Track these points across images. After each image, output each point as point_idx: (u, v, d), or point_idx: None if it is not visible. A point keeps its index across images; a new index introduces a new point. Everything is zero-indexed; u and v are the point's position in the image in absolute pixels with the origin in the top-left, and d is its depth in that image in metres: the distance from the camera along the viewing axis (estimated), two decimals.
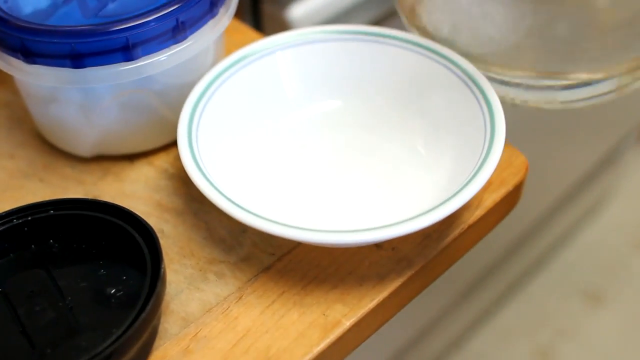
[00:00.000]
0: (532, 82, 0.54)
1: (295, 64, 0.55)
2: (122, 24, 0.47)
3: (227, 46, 0.58)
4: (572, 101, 0.56)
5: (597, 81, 0.54)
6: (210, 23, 0.51)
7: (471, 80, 0.51)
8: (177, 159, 0.54)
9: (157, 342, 0.44)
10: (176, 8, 0.48)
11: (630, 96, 0.58)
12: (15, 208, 0.46)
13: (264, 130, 0.53)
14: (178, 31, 0.49)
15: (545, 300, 1.26)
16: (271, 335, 0.44)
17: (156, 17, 0.47)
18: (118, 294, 0.43)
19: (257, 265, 0.47)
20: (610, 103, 0.57)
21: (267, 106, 0.54)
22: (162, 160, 0.54)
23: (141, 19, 0.47)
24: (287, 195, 0.50)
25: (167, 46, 0.49)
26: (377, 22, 0.71)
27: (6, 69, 0.49)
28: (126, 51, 0.47)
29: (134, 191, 0.52)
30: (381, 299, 0.45)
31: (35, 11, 0.49)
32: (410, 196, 0.49)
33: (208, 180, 0.45)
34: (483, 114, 0.49)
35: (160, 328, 0.44)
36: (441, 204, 0.43)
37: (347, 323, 0.44)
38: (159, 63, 0.49)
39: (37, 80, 0.49)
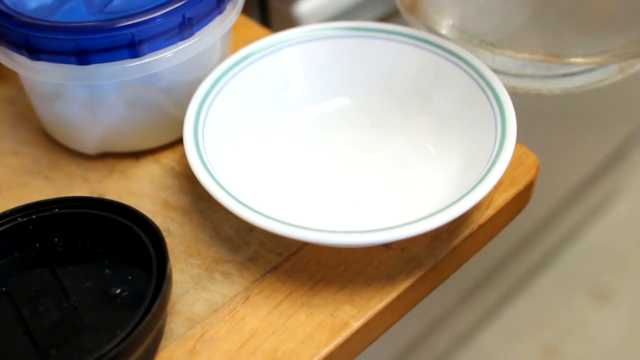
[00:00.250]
0: (534, 67, 0.54)
1: (302, 61, 0.54)
2: (127, 20, 0.46)
3: (234, 43, 0.57)
4: (573, 87, 0.55)
5: (598, 66, 0.54)
6: (217, 19, 0.50)
7: (481, 77, 0.50)
8: (184, 156, 0.53)
9: (163, 343, 0.43)
10: (183, 4, 0.47)
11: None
12: (20, 206, 0.45)
13: (271, 128, 0.53)
14: (184, 27, 0.48)
15: (553, 297, 1.25)
16: (278, 336, 0.43)
17: (162, 13, 0.47)
18: (123, 294, 0.43)
19: (265, 265, 0.47)
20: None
21: (275, 103, 0.53)
22: (168, 158, 0.54)
23: (147, 15, 0.47)
24: (294, 194, 0.50)
25: (174, 43, 0.48)
26: (385, 19, 0.71)
27: (11, 65, 0.49)
28: (132, 48, 0.47)
29: (140, 189, 0.52)
30: (390, 300, 0.45)
31: (40, 7, 0.48)
32: (420, 196, 0.48)
33: (214, 179, 0.45)
34: (494, 112, 0.48)
35: (166, 329, 0.44)
36: (452, 204, 0.43)
37: (356, 324, 0.44)
38: (165, 60, 0.48)
39: (41, 76, 0.48)
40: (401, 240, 0.46)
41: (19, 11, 0.48)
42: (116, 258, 0.45)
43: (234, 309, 0.45)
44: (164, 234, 0.45)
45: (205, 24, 0.49)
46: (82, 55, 0.46)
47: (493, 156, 0.45)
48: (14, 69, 0.49)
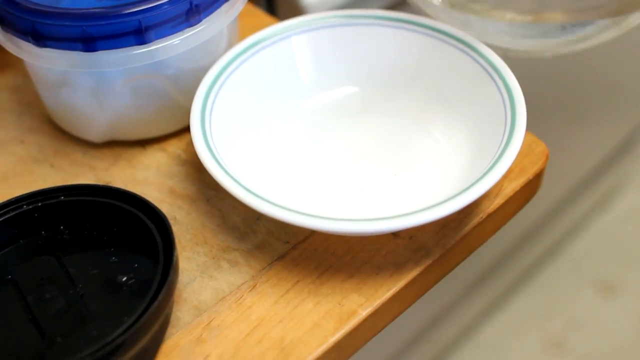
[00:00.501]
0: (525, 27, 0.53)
1: (311, 49, 0.54)
2: (134, 7, 0.46)
3: (241, 31, 0.57)
4: (564, 43, 0.55)
5: (585, 24, 0.53)
6: (225, 7, 0.50)
7: (491, 66, 0.50)
8: (190, 144, 0.53)
9: (169, 331, 0.43)
10: None
11: None
12: (26, 194, 0.45)
13: (279, 116, 0.53)
14: (192, 14, 0.48)
15: (558, 290, 1.25)
16: (285, 325, 0.43)
17: (169, 0, 0.46)
18: (129, 282, 0.43)
19: (272, 254, 0.47)
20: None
21: (282, 92, 0.53)
22: (174, 146, 0.53)
23: (154, 2, 0.46)
24: (302, 182, 0.49)
25: (181, 30, 0.48)
26: (393, 7, 0.70)
27: (16, 52, 0.49)
28: (139, 34, 0.46)
29: (146, 177, 0.51)
30: (398, 289, 0.44)
31: None
32: (428, 184, 0.48)
33: (221, 167, 0.44)
34: (503, 100, 0.48)
35: (173, 317, 0.44)
36: (461, 192, 0.42)
37: (363, 313, 0.43)
38: (172, 47, 0.48)
39: (47, 63, 0.48)
40: (410, 228, 0.46)
41: None
42: (122, 246, 0.45)
43: (240, 297, 0.44)
44: (171, 222, 0.44)
45: (213, 11, 0.49)
46: (89, 42, 0.46)
47: (503, 144, 0.45)
48: (19, 55, 0.49)
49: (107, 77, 0.49)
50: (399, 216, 0.41)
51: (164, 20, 0.47)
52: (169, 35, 0.47)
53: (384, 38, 0.54)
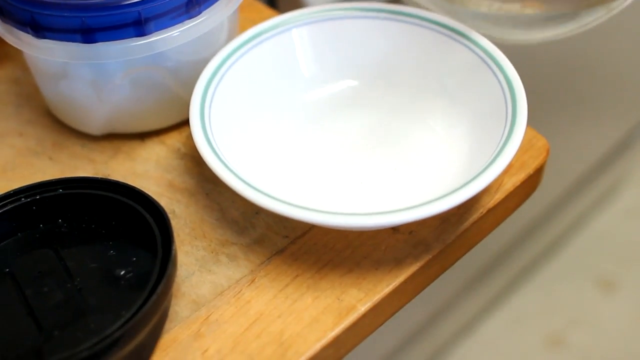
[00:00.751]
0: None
1: (311, 42, 0.53)
2: None
3: (241, 23, 0.57)
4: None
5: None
6: None
7: (492, 59, 0.49)
8: (190, 138, 0.53)
9: (168, 325, 0.43)
10: None
11: None
12: (24, 186, 0.45)
13: (278, 109, 0.52)
14: (192, 6, 0.47)
15: (558, 286, 1.25)
16: (284, 319, 0.43)
17: None
18: (128, 276, 0.42)
19: (270, 248, 0.46)
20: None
21: (282, 85, 0.53)
22: (174, 139, 0.53)
23: None
24: (301, 176, 0.49)
25: (180, 21, 0.47)
26: (393, 0, 0.70)
27: (15, 43, 0.48)
28: (138, 26, 0.46)
29: (145, 170, 0.51)
30: (397, 284, 0.44)
31: None
32: (428, 178, 0.48)
33: (221, 160, 0.44)
34: (504, 94, 0.47)
35: (171, 311, 0.44)
36: (461, 187, 0.42)
37: (362, 308, 0.43)
38: (172, 39, 0.47)
39: (46, 55, 0.48)
40: (409, 223, 0.46)
41: None
42: (121, 239, 0.44)
43: (239, 292, 0.44)
44: (169, 216, 0.44)
45: (213, 3, 0.49)
46: (88, 33, 0.46)
47: (503, 139, 0.44)
48: (18, 47, 0.48)
49: (106, 69, 0.49)
50: (399, 211, 0.41)
51: (164, 12, 0.46)
52: (169, 27, 0.47)
53: (383, 31, 0.54)
